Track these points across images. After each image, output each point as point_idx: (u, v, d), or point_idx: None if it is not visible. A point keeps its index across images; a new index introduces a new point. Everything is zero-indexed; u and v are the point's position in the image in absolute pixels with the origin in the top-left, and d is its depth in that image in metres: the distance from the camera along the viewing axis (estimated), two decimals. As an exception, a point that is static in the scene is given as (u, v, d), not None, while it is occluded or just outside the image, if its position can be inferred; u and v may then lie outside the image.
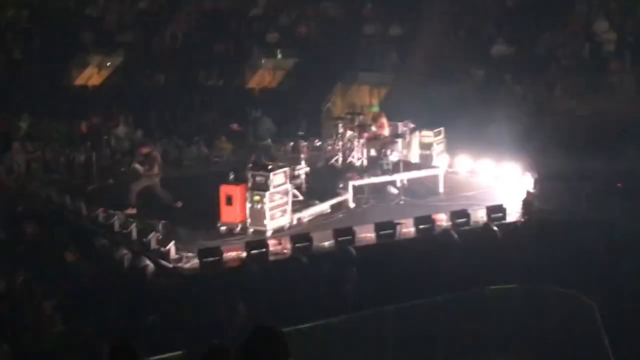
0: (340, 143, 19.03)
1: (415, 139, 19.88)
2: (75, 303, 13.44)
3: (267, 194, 16.00)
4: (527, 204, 17.05)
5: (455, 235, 15.85)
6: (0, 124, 25.86)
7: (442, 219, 16.76)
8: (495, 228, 16.22)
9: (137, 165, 17.92)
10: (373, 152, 19.02)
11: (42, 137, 24.70)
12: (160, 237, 15.15)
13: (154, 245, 15.00)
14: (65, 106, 26.67)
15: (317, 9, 29.83)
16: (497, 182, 19.72)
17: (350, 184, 17.91)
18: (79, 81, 29.68)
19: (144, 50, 29.99)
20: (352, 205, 17.89)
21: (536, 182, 18.58)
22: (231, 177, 16.87)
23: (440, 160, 19.85)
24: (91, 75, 29.85)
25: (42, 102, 26.99)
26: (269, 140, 20.01)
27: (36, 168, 21.56)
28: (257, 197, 16.05)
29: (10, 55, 29.96)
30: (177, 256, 14.73)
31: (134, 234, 15.66)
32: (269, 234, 16.02)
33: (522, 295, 14.49)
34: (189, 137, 24.82)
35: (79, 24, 30.73)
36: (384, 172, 18.43)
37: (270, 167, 16.64)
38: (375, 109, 19.49)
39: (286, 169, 16.89)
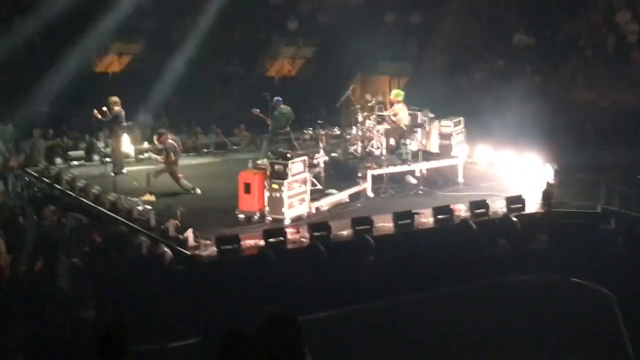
0: (360, 132, 18.97)
1: (435, 128, 19.80)
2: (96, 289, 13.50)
3: (285, 182, 15.99)
4: (546, 194, 16.94)
5: (474, 226, 15.78)
6: (20, 111, 26.00)
7: (461, 209, 16.68)
8: (514, 219, 16.13)
9: (154, 155, 17.99)
10: (392, 142, 18.97)
11: (63, 123, 24.82)
12: (179, 224, 15.16)
13: (172, 232, 15.01)
14: (86, 93, 26.74)
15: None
16: (516, 172, 19.61)
17: (369, 173, 17.87)
18: (99, 68, 29.75)
19: (164, 38, 29.99)
20: (370, 194, 17.85)
21: (556, 173, 18.47)
22: (250, 165, 16.89)
23: (460, 150, 19.76)
24: (111, 62, 29.90)
25: (62, 89, 27.09)
26: (288, 128, 19.96)
27: (57, 155, 21.60)
28: (275, 186, 16.04)
29: (31, 42, 30.05)
30: (195, 243, 14.74)
31: (153, 221, 15.69)
32: (287, 222, 16.00)
33: (541, 287, 14.43)
34: (207, 125, 24.88)
35: (100, 10, 30.76)
36: (403, 162, 18.38)
37: (288, 155, 16.63)
38: (399, 93, 19.28)
39: (305, 157, 16.86)
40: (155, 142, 19.14)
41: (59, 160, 21.01)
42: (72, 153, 21.25)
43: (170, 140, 18.28)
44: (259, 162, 17.90)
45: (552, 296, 14.31)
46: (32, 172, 20.01)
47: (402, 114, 18.94)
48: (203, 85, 27.17)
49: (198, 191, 18.04)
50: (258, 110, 19.93)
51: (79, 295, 13.18)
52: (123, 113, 19.45)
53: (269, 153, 18.80)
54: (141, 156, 21.38)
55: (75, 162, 20.91)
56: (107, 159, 20.09)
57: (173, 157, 18.00)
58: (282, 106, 20.01)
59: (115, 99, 19.41)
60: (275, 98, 20.12)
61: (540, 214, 16.71)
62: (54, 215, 15.88)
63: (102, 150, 21.07)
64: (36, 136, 22.66)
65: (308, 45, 28.81)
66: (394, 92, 19.51)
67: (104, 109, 19.45)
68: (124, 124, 19.45)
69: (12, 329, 11.55)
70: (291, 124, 20.08)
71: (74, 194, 18.24)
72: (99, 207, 17.19)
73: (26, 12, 30.26)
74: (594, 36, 24.91)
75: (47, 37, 29.82)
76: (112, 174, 18.89)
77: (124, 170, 19.54)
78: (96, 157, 21.33)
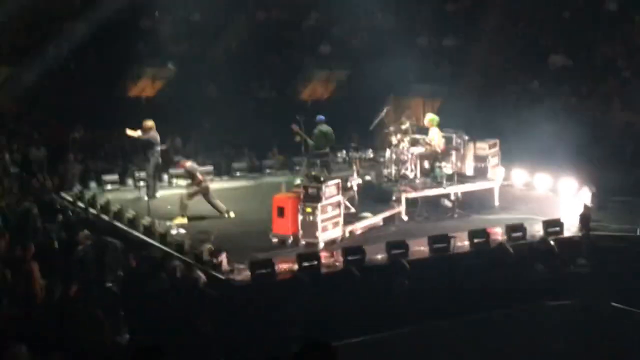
0: (393, 155, 18.85)
1: (470, 151, 19.61)
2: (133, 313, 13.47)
3: (319, 205, 15.89)
4: (584, 218, 16.68)
5: (511, 250, 15.56)
6: (55, 135, 26.19)
7: (498, 233, 16.48)
8: (552, 242, 15.89)
9: (178, 181, 18.13)
10: (426, 164, 18.82)
11: (96, 148, 24.96)
12: (212, 248, 15.11)
13: (206, 256, 14.96)
14: (120, 117, 26.91)
15: (370, 20, 29.75)
16: (553, 195, 19.37)
17: (404, 196, 17.73)
18: (133, 92, 29.93)
19: (198, 62, 30.14)
20: (405, 218, 17.70)
21: (594, 196, 18.22)
22: (283, 188, 16.83)
23: (495, 172, 19.55)
24: (145, 87, 30.09)
25: (96, 114, 27.28)
26: (327, 149, 19.92)
27: (91, 179, 21.69)
28: (309, 209, 15.95)
29: (66, 66, 30.33)
30: (229, 267, 14.68)
31: (187, 245, 15.66)
32: (321, 246, 15.89)
33: (580, 311, 14.19)
34: (241, 149, 24.90)
35: (133, 35, 30.99)
36: (438, 185, 18.22)
37: (322, 178, 16.55)
38: (433, 118, 19.17)
39: (338, 180, 16.77)
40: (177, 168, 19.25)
41: (93, 185, 21.06)
42: (106, 177, 21.29)
43: (189, 163, 18.35)
44: (297, 182, 17.87)
45: (592, 321, 14.05)
46: (67, 197, 20.09)
47: (437, 138, 18.81)
48: (236, 109, 27.21)
49: (232, 214, 18.00)
50: (297, 126, 19.90)
51: (113, 319, 13.12)
52: (158, 137, 19.48)
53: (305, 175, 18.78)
54: (174, 180, 21.42)
55: (109, 186, 20.95)
56: (141, 183, 20.12)
57: (200, 177, 18.05)
58: (324, 125, 19.94)
59: (150, 122, 19.46)
60: (318, 116, 20.10)
61: (579, 237, 16.44)
62: (88, 240, 15.87)
63: (136, 174, 21.10)
64: (70, 160, 22.77)
65: (341, 69, 28.80)
66: (428, 117, 19.37)
67: (138, 131, 19.50)
68: (158, 148, 19.48)
69: (48, 354, 11.50)
70: (331, 145, 19.97)
71: (108, 218, 18.30)
72: (133, 231, 17.22)
73: (60, 36, 30.60)
74: (632, 57, 24.64)
75: (81, 62, 30.12)
76: (146, 198, 18.89)
77: (158, 194, 19.59)
78: (130, 181, 21.38)
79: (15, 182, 21.09)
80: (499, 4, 28.88)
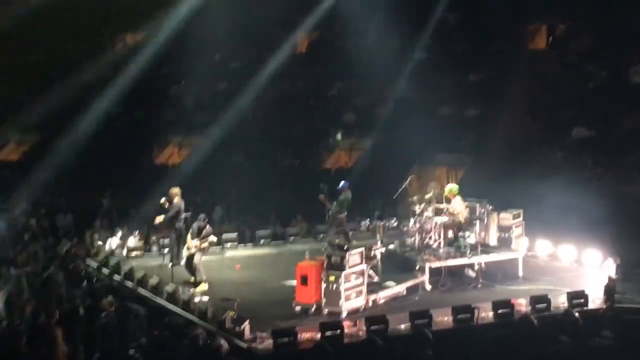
0: (417, 224, 18.88)
1: (493, 221, 19.59)
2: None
3: (342, 274, 15.89)
4: (609, 289, 16.56)
5: (535, 321, 15.43)
6: (83, 201, 26.48)
7: (522, 304, 16.38)
8: (576, 314, 15.75)
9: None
10: (450, 234, 18.82)
11: (123, 214, 25.17)
12: (235, 315, 15.11)
13: (228, 324, 14.97)
14: (147, 184, 27.20)
15: (393, 90, 30.09)
16: (578, 267, 19.27)
17: (427, 265, 17.71)
18: (160, 160, 30.29)
19: (223, 130, 30.49)
20: (428, 287, 17.65)
21: (618, 268, 18.10)
22: (307, 256, 16.87)
23: (519, 243, 19.49)
24: (172, 154, 30.45)
25: (124, 180, 27.60)
26: (345, 213, 20.15)
27: (115, 245, 21.82)
28: (332, 277, 15.96)
29: (95, 132, 30.77)
30: (251, 336, 14.66)
31: (210, 313, 15.67)
32: (344, 315, 15.86)
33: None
34: (265, 216, 25.02)
35: (162, 103, 31.48)
36: (462, 255, 18.19)
37: (346, 247, 16.59)
38: (453, 188, 19.25)
39: (362, 248, 16.79)
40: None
41: (118, 251, 21.19)
42: (131, 244, 21.41)
43: (209, 227, 18.38)
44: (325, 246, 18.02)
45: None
46: (92, 263, 20.22)
47: (459, 208, 18.84)
48: (261, 177, 27.44)
49: (204, 287, 17.84)
50: (323, 196, 20.12)
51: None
52: (183, 204, 19.55)
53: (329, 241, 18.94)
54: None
55: (134, 253, 21.05)
56: (165, 250, 20.22)
57: (209, 242, 18.13)
58: (348, 192, 20.24)
59: (175, 190, 19.60)
60: (344, 182, 20.37)
61: (603, 309, 16.30)
62: (112, 307, 15.93)
63: (161, 241, 21.20)
64: (97, 226, 22.97)
65: (364, 137, 29.05)
66: (448, 188, 19.43)
67: (163, 199, 19.60)
68: (183, 215, 19.52)
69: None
70: (348, 210, 20.33)
71: (132, 285, 18.37)
72: (157, 298, 17.27)
73: (88, 107, 31.11)
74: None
75: (110, 130, 30.56)
76: (170, 265, 18.94)
77: (182, 262, 19.57)
78: (154, 248, 21.49)
79: (41, 248, 21.28)
80: (523, 74, 29.16)
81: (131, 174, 27.93)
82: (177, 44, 31.40)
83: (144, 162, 29.66)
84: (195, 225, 18.32)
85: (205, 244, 18.12)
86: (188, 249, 18.14)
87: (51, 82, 32.87)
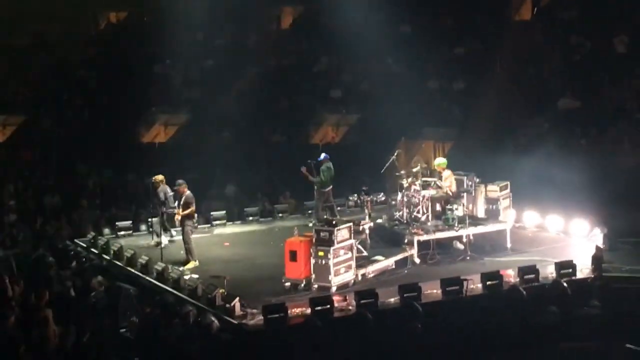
0: (405, 198, 18.92)
1: (481, 193, 19.67)
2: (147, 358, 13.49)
3: (331, 249, 15.94)
4: (596, 259, 16.67)
5: (524, 292, 15.54)
6: (68, 182, 26.41)
7: (510, 275, 16.47)
8: (565, 284, 15.86)
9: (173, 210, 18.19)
10: (438, 207, 18.87)
11: (109, 194, 25.13)
12: (225, 293, 15.15)
13: (219, 301, 15.00)
14: (133, 163, 27.13)
15: (380, 65, 30.04)
16: (565, 237, 19.37)
17: (416, 239, 17.77)
18: (146, 138, 30.19)
19: (210, 108, 30.43)
20: (417, 260, 17.72)
21: (605, 237, 18.21)
22: (295, 232, 16.90)
23: (507, 214, 19.58)
24: (158, 133, 30.35)
25: (109, 160, 27.52)
26: (331, 187, 20.16)
27: (103, 224, 21.80)
28: (321, 253, 16.01)
29: (80, 114, 30.66)
30: (242, 312, 14.71)
31: (200, 290, 15.70)
32: (333, 290, 15.92)
33: (594, 354, 14.09)
34: (253, 193, 25.02)
35: (146, 82, 31.35)
36: (450, 227, 18.25)
37: (334, 222, 16.62)
38: (441, 161, 19.31)
39: (350, 224, 16.83)
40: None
41: (106, 231, 21.15)
42: (119, 223, 21.38)
43: (189, 192, 18.18)
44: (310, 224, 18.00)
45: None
46: (81, 243, 20.19)
47: (450, 180, 18.91)
48: (248, 154, 27.40)
49: (194, 264, 17.83)
50: (305, 168, 20.12)
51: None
52: (167, 190, 19.21)
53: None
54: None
55: (122, 232, 21.01)
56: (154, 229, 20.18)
57: (193, 209, 18.06)
58: (329, 162, 20.23)
59: (159, 177, 19.41)
60: (324, 155, 20.35)
61: (591, 279, 16.41)
62: (102, 286, 15.95)
63: (149, 219, 21.17)
64: (84, 207, 22.91)
65: (351, 113, 29.02)
66: (437, 161, 19.49)
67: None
68: (169, 206, 19.15)
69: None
70: (333, 184, 20.36)
71: (121, 264, 18.37)
72: (147, 277, 17.28)
73: (73, 88, 30.97)
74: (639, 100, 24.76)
75: (94, 109, 30.44)
76: (158, 243, 18.88)
77: (166, 241, 19.34)
78: (143, 227, 21.45)
79: (22, 229, 21.22)
80: (509, 47, 29.15)
81: (117, 153, 27.84)
82: (159, 21, 31.26)
83: (130, 141, 29.55)
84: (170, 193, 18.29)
85: (187, 211, 18.00)
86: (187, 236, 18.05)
87: (36, 63, 32.75)
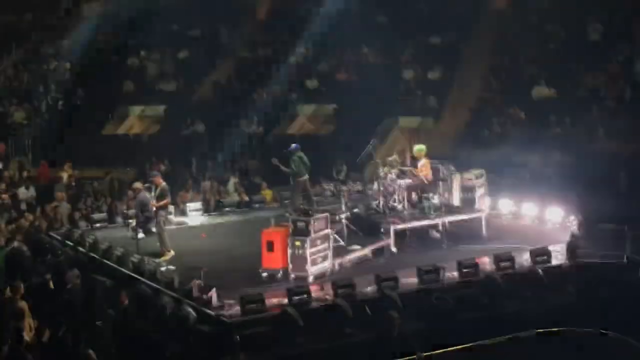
0: (381, 187, 18.94)
1: (457, 181, 19.71)
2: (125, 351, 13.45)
3: (308, 239, 15.93)
4: (571, 246, 16.77)
5: (500, 279, 15.62)
6: (43, 174, 26.27)
7: (486, 263, 16.54)
8: (540, 271, 15.96)
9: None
10: (414, 196, 18.91)
11: (84, 186, 24.99)
12: (202, 284, 15.10)
13: (195, 292, 14.95)
14: (107, 155, 27.02)
15: (356, 55, 30.03)
16: (540, 224, 19.47)
17: (392, 228, 17.79)
18: (121, 130, 30.07)
19: (185, 99, 30.34)
20: (394, 249, 17.75)
21: (580, 225, 18.32)
22: (272, 222, 16.87)
23: (483, 202, 19.65)
24: (132, 125, 30.23)
25: (84, 152, 27.38)
26: (307, 176, 19.99)
27: (78, 217, 21.69)
28: (298, 243, 15.99)
29: (54, 106, 30.48)
30: (219, 303, 14.67)
31: (176, 282, 15.65)
32: (310, 279, 15.92)
33: (568, 340, 14.21)
34: (230, 184, 24.97)
35: (121, 74, 31.21)
36: (426, 216, 18.30)
37: (310, 212, 16.61)
38: (420, 147, 19.26)
39: (327, 213, 16.82)
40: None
41: (82, 223, 21.03)
42: (94, 216, 21.25)
43: (164, 183, 18.10)
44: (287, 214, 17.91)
45: (580, 349, 14.07)
46: (56, 236, 20.07)
47: (426, 168, 18.91)
48: (224, 145, 27.35)
49: (169, 255, 17.75)
50: (277, 159, 20.02)
51: (104, 358, 13.10)
52: (147, 196, 18.90)
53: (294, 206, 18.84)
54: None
55: (97, 225, 20.89)
56: (130, 221, 20.06)
57: (168, 201, 17.99)
58: (299, 152, 19.89)
59: (137, 184, 19.23)
60: (294, 145, 20.09)
61: (566, 266, 16.52)
62: (78, 279, 15.84)
63: (124, 212, 21.07)
64: (59, 199, 22.77)
65: (328, 103, 29.01)
66: (417, 147, 19.46)
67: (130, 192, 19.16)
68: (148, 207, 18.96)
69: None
70: (309, 172, 20.07)
71: (97, 257, 18.27)
72: (123, 269, 17.20)
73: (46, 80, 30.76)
74: (614, 87, 24.91)
75: (69, 101, 30.28)
76: (135, 236, 18.77)
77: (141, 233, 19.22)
78: (119, 219, 21.35)
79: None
80: (483, 36, 29.26)
81: (92, 146, 27.71)
82: (133, 12, 31.10)
83: (104, 134, 29.44)
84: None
85: (162, 203, 17.93)
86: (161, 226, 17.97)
87: (7, 54, 32.50)
